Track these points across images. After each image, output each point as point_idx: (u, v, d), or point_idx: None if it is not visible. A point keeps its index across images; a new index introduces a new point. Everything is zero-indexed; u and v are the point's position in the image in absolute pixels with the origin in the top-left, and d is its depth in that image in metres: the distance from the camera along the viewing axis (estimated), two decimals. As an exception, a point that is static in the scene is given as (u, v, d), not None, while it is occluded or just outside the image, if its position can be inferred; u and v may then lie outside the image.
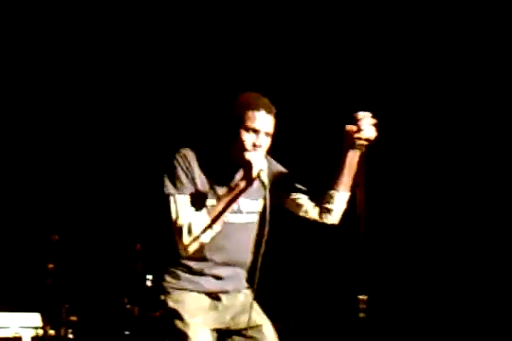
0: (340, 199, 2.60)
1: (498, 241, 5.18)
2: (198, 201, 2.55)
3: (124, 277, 5.31)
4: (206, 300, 2.63)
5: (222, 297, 2.66)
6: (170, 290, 2.60)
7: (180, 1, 5.25)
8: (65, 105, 5.64)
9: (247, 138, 2.53)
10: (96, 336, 5.16)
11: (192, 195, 2.55)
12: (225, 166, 2.61)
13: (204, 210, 2.54)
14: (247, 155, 2.50)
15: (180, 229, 2.51)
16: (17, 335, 4.84)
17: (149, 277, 5.17)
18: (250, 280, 2.68)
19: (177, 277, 2.61)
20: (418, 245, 5.35)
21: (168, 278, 2.62)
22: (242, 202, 2.61)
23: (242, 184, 2.49)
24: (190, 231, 2.50)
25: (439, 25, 5.18)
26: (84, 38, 5.39)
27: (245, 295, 2.72)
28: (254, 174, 2.46)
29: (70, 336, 5.07)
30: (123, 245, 5.42)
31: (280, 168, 2.76)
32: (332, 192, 2.58)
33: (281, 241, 2.96)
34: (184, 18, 5.31)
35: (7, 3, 5.05)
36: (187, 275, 2.60)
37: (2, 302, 4.97)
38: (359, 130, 2.42)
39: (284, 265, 5.10)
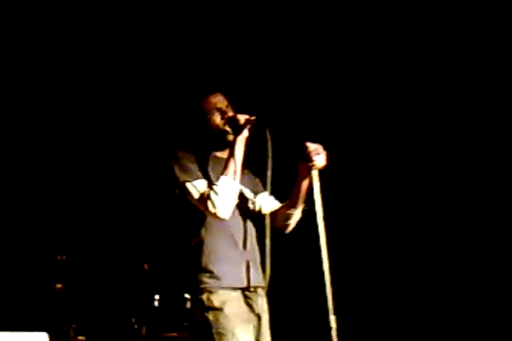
0: (298, 213, 2.86)
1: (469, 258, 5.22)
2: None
3: (132, 297, 5.30)
4: (243, 303, 2.72)
5: (252, 296, 2.76)
6: (213, 289, 2.65)
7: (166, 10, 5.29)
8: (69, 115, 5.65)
9: (216, 117, 2.80)
10: (104, 356, 5.14)
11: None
12: (218, 154, 2.84)
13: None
14: (227, 118, 2.77)
15: (207, 197, 2.62)
16: (24, 355, 4.82)
17: (157, 297, 5.15)
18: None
19: (212, 275, 2.65)
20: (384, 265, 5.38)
21: (204, 279, 2.64)
22: (245, 189, 2.84)
23: (239, 136, 2.70)
24: (216, 193, 2.60)
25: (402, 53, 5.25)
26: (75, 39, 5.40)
27: (262, 298, 2.82)
28: (242, 119, 2.68)
29: (78, 356, 5.05)
30: (131, 265, 5.41)
31: (255, 178, 3.01)
32: (291, 210, 2.83)
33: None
34: (170, 25, 5.35)
35: (7, 3, 5.05)
36: (220, 270, 2.66)
37: (10, 322, 4.94)
38: (311, 160, 2.69)
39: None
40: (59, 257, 5.35)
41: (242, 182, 2.77)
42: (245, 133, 2.71)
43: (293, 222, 2.89)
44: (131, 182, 5.72)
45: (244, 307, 2.71)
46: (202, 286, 2.65)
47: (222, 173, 2.64)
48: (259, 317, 2.73)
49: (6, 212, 5.54)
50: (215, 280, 2.65)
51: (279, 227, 2.89)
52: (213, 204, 2.59)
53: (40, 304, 5.29)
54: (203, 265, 2.67)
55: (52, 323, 5.11)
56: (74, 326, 5.12)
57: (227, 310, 2.62)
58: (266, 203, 2.91)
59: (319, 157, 2.69)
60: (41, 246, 5.53)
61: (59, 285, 5.28)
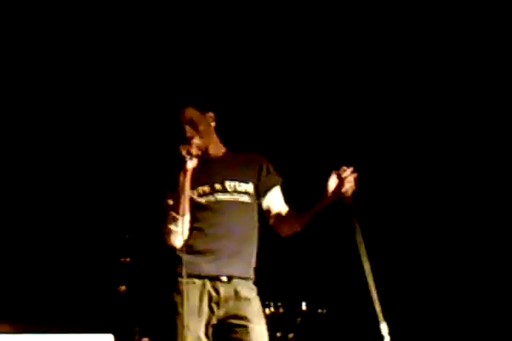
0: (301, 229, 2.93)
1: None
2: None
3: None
4: (205, 295, 2.76)
5: (221, 289, 2.78)
6: (178, 279, 2.73)
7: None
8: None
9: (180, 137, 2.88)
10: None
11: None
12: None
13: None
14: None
15: (163, 233, 2.81)
16: (91, 356, 4.89)
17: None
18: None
19: (181, 262, 2.73)
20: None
21: (176, 265, 2.75)
22: (228, 183, 2.89)
23: (182, 170, 2.77)
24: (168, 231, 2.77)
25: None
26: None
27: (249, 290, 2.84)
28: (183, 152, 2.76)
29: (142, 357, 5.09)
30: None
31: (271, 170, 3.02)
32: (301, 224, 2.91)
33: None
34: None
35: (7, 3, 5.08)
36: (187, 258, 2.74)
37: (75, 324, 5.04)
38: (342, 185, 2.72)
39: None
40: (123, 259, 5.41)
41: (230, 174, 2.91)
42: (189, 165, 2.77)
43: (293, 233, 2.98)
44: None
45: (204, 301, 2.77)
46: (174, 271, 2.76)
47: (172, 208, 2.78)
48: (238, 306, 2.78)
49: (70, 215, 5.65)
50: (182, 267, 2.75)
51: (281, 233, 2.97)
52: (163, 237, 2.79)
53: (104, 306, 5.36)
54: (177, 253, 2.81)
55: (117, 325, 5.17)
56: (137, 328, 5.16)
57: (181, 306, 2.69)
58: (275, 203, 2.98)
59: (351, 182, 2.75)
60: (105, 249, 5.61)
61: (123, 288, 5.34)
